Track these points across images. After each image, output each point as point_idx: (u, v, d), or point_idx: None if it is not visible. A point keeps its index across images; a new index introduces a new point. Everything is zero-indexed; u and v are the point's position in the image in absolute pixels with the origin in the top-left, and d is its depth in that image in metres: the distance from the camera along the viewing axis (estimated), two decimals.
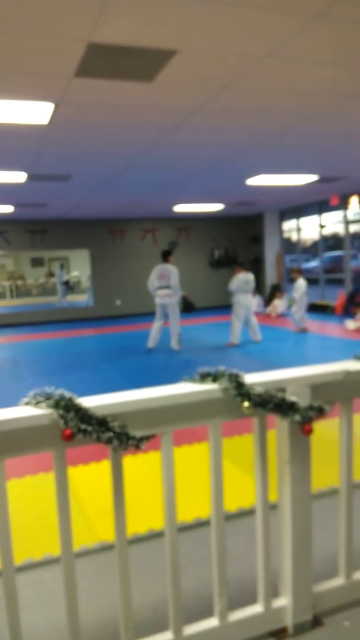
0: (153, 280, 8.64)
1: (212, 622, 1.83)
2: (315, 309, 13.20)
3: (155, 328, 8.73)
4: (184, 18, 2.98)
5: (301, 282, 10.01)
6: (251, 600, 1.95)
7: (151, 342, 8.71)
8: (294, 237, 14.57)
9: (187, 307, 8.85)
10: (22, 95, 4.11)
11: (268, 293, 14.45)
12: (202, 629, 1.81)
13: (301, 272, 10.43)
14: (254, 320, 9.04)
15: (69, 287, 20.62)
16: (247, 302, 8.86)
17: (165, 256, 8.70)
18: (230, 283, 8.98)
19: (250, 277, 8.94)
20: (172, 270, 8.56)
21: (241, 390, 1.67)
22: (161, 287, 8.54)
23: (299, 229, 14.14)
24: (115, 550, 1.69)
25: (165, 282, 8.53)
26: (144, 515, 2.81)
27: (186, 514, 2.75)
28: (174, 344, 8.60)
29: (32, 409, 1.54)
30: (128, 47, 3.33)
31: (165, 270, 8.58)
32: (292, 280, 14.55)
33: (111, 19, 2.93)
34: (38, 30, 3.04)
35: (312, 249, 23.37)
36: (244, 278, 8.87)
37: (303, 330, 9.93)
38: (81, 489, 3.27)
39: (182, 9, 2.87)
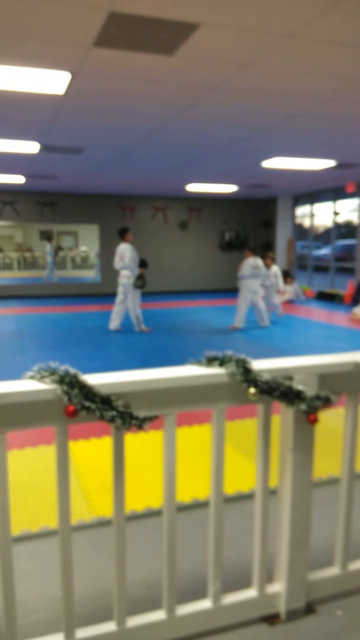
0: (116, 262, 8.47)
1: (206, 604, 1.84)
2: (324, 297, 13.12)
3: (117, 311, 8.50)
4: None
5: (275, 270, 9.79)
6: (245, 584, 1.96)
7: (112, 324, 8.48)
8: (307, 223, 14.40)
9: (142, 283, 8.43)
10: (38, 62, 4.02)
11: None
12: (195, 610, 1.82)
13: (274, 259, 10.04)
14: (262, 304, 9.00)
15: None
16: (254, 286, 8.81)
17: (121, 235, 8.47)
18: (241, 269, 8.90)
19: (259, 262, 8.88)
20: (125, 249, 8.35)
21: (248, 376, 1.65)
22: (124, 268, 8.39)
23: (312, 215, 13.97)
24: (112, 526, 1.69)
25: (122, 263, 8.36)
26: (142, 493, 2.82)
27: (183, 494, 2.76)
28: (135, 327, 8.46)
29: (36, 383, 1.52)
30: (150, 18, 3.23)
31: (119, 249, 8.42)
32: (300, 267, 14.40)
33: None
34: None
35: (324, 236, 23.10)
36: (253, 263, 8.81)
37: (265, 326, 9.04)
38: (81, 463, 3.29)
39: None
